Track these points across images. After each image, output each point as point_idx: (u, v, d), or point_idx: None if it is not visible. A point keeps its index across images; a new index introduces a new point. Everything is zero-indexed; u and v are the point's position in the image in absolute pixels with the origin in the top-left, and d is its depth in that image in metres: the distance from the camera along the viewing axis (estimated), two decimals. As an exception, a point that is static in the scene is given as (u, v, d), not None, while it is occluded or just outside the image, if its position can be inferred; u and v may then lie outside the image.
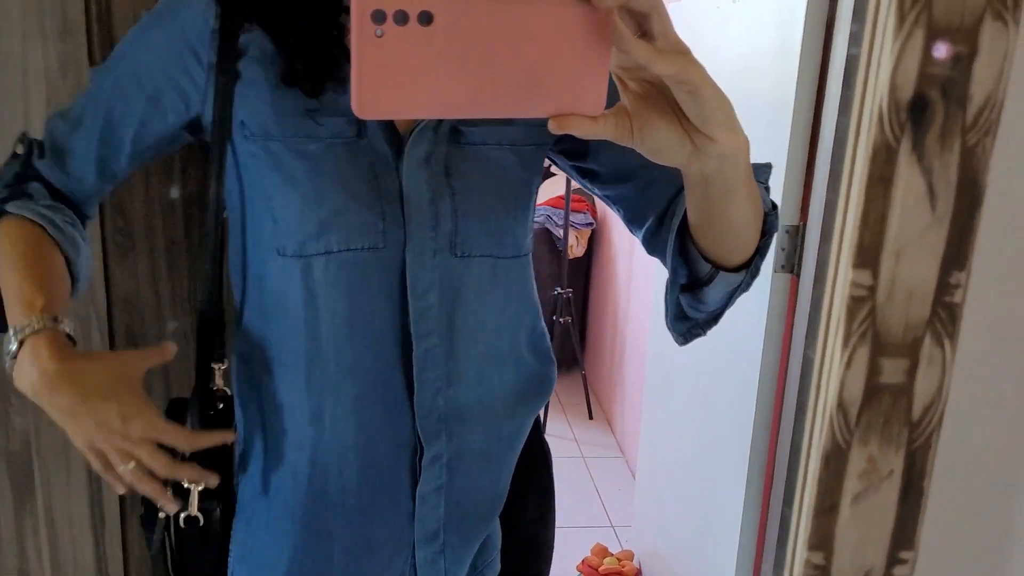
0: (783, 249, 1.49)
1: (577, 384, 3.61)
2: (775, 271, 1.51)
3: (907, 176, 1.04)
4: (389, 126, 0.80)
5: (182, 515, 0.84)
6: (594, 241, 3.79)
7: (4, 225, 0.83)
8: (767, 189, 0.85)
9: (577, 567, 2.41)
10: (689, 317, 0.89)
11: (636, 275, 3.18)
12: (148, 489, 0.77)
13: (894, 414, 1.13)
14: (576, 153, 0.90)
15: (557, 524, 1.09)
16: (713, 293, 0.83)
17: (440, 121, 0.81)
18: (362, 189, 0.79)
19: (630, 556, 2.45)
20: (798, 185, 1.47)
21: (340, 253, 0.80)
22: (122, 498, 1.23)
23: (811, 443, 1.17)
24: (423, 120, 0.80)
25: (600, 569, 2.36)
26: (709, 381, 1.89)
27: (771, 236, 0.83)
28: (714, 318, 0.89)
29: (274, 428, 0.87)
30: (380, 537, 0.88)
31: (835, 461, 1.15)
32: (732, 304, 0.87)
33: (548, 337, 0.97)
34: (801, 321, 1.43)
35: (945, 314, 1.10)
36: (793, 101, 1.44)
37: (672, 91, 0.58)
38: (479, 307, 0.86)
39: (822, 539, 1.18)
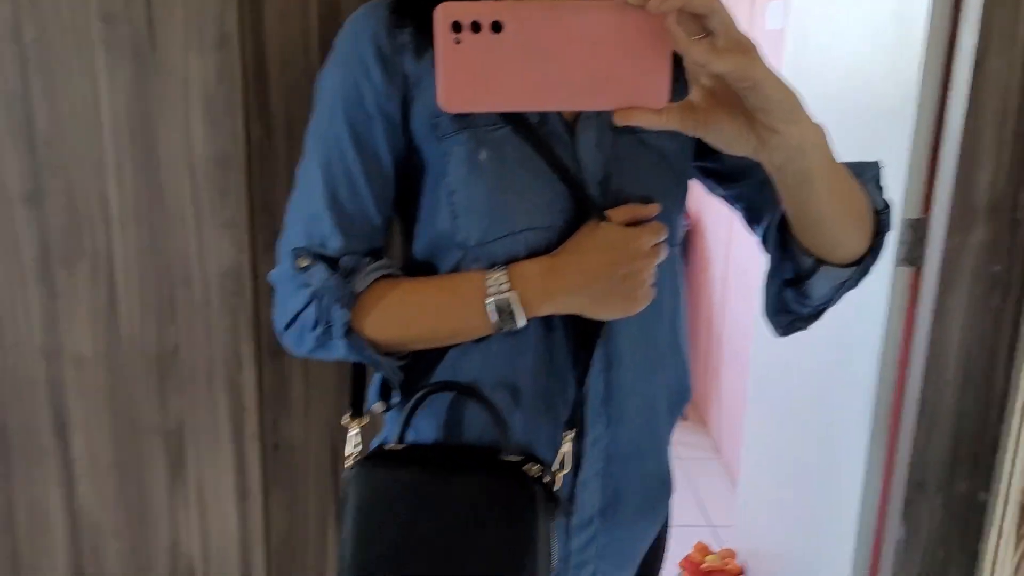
0: (904, 242, 1.48)
1: (671, 385, 3.60)
2: (896, 264, 1.50)
3: None
4: (559, 114, 0.82)
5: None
6: (688, 242, 3.78)
7: (375, 290, 0.84)
8: (879, 188, 0.86)
9: (679, 563, 2.42)
10: (791, 311, 0.90)
11: (732, 276, 3.16)
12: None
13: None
14: (699, 152, 0.92)
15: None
16: (817, 287, 0.85)
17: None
18: (542, 168, 0.81)
19: (732, 555, 2.45)
20: (921, 178, 1.46)
21: (522, 233, 0.82)
22: (265, 474, 1.30)
23: (1019, 438, 1.22)
24: None
25: (703, 566, 2.36)
26: (820, 378, 1.87)
27: (884, 235, 0.84)
28: (818, 313, 0.90)
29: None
30: None
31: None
32: (837, 301, 0.87)
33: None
34: (925, 313, 1.42)
35: None
36: (917, 94, 1.43)
37: (734, 86, 0.62)
38: None
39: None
